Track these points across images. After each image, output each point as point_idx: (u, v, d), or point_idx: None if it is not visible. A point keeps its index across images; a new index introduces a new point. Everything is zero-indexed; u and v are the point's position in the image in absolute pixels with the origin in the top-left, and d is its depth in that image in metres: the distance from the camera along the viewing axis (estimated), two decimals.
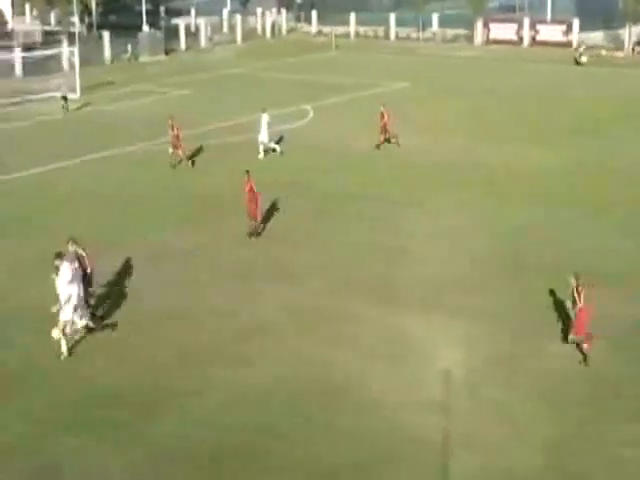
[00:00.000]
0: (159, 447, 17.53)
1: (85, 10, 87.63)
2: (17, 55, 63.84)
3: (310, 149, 40.52)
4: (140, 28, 74.07)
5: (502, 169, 36.73)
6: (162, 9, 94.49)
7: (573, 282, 20.46)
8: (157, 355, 21.20)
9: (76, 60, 57.93)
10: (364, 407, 18.79)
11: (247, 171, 28.70)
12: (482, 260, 26.56)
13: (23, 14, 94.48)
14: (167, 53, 73.82)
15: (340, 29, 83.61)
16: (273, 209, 31.20)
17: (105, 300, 24.16)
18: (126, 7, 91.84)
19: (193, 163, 37.93)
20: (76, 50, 59.48)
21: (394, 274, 25.77)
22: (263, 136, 38.73)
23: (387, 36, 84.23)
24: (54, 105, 51.05)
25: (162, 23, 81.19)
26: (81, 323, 21.69)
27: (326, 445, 17.42)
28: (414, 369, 20.35)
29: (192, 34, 79.70)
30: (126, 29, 75.41)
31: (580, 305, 20.28)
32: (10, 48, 65.81)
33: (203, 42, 79.13)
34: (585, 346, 20.31)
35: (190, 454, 17.26)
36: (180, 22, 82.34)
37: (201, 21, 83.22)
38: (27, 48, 66.37)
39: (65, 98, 51.19)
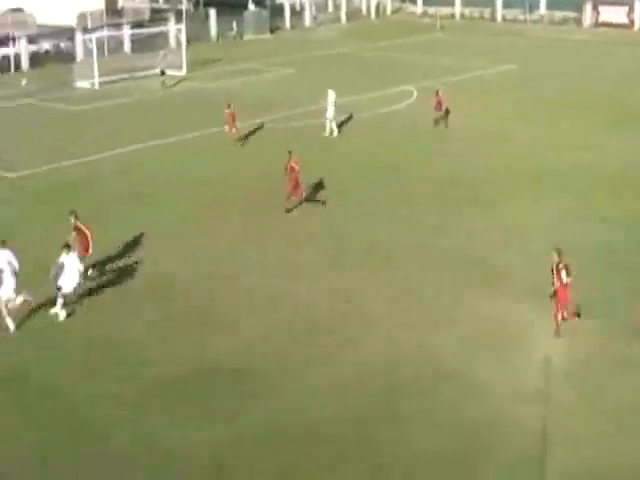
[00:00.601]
0: (273, 421, 17.86)
1: None
2: (126, 32, 64.93)
3: (411, 131, 40.27)
4: (246, 6, 74.53)
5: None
6: None
7: (555, 258, 20.43)
8: (270, 335, 21.52)
9: (183, 37, 58.70)
10: (467, 394, 18.76)
11: (289, 152, 29.31)
12: (582, 249, 25.97)
13: None
14: (272, 32, 74.14)
15: (445, 10, 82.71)
16: (371, 195, 31.29)
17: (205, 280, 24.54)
18: None
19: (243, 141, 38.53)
20: (183, 28, 60.24)
21: (501, 262, 25.57)
22: (329, 113, 39.39)
23: (493, 18, 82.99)
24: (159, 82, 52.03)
25: (268, 2, 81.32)
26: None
27: (431, 430, 17.48)
28: (517, 358, 20.18)
29: (297, 13, 79.80)
30: (232, 7, 75.87)
31: (566, 280, 20.30)
32: (119, 25, 66.94)
33: (308, 21, 79.19)
34: (559, 318, 20.58)
35: (304, 431, 17.51)
36: (285, 1, 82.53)
37: (306, 0, 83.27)
38: (136, 25, 67.42)
39: (163, 72, 52.07)
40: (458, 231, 27.97)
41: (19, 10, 67.61)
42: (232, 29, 72.48)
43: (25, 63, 59.45)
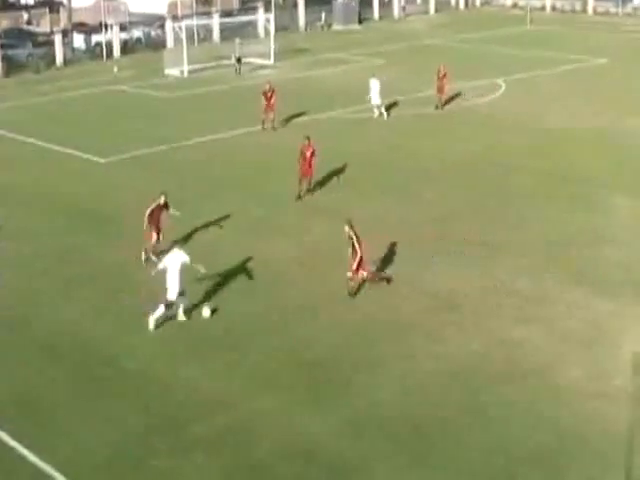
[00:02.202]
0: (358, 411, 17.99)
1: None
2: (215, 21, 65.54)
3: (499, 124, 39.86)
4: None
5: None
6: None
7: (347, 229, 22.16)
8: (366, 324, 21.63)
9: (271, 27, 58.98)
10: (551, 391, 18.56)
11: (307, 137, 29.85)
12: None
13: None
14: (360, 22, 74.03)
15: (536, 2, 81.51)
16: (470, 189, 31.10)
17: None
18: None
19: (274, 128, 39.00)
20: (272, 17, 60.54)
21: (599, 256, 25.28)
22: (375, 99, 40.48)
23: (584, 10, 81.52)
24: (246, 70, 52.46)
25: None
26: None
27: (520, 427, 17.39)
28: (608, 355, 19.88)
29: (385, 4, 79.49)
30: None
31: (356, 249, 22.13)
32: (209, 14, 67.61)
33: (396, 12, 78.85)
34: (352, 283, 22.49)
35: (389, 423, 17.56)
36: None
37: None
38: (225, 14, 68.01)
39: (239, 60, 52.56)
40: (568, 224, 27.73)
41: None
42: (320, 19, 72.57)
43: (117, 50, 60.44)
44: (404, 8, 79.73)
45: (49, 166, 35.37)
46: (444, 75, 42.07)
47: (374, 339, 20.92)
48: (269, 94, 38.82)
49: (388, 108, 41.69)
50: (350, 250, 22.44)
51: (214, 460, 16.67)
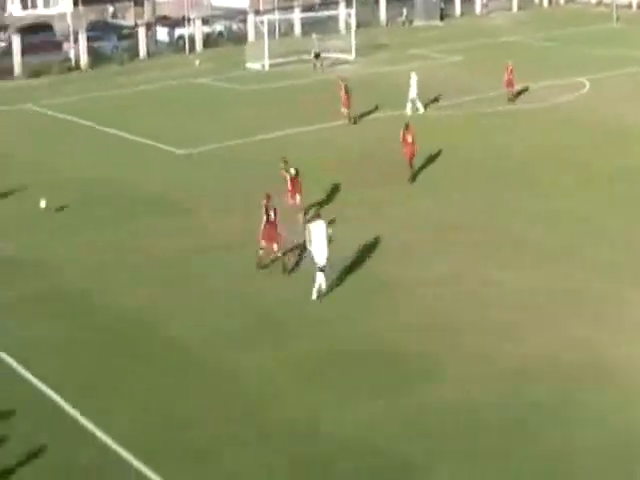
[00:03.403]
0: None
1: None
2: (297, 15, 65.72)
3: (582, 123, 39.26)
4: None
5: None
6: None
7: (263, 201, 23.65)
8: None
9: (352, 22, 58.92)
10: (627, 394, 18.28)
11: (406, 124, 31.76)
12: None
13: None
14: (442, 18, 73.50)
15: (621, 0, 79.90)
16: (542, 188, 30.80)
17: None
18: None
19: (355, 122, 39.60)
20: (353, 12, 60.47)
21: None
22: (412, 93, 40.61)
23: None
24: (325, 65, 52.52)
25: None
26: None
27: (592, 430, 17.23)
28: None
29: (467, 0, 78.80)
30: None
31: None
32: (291, 8, 67.85)
33: (478, 9, 78.08)
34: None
35: (456, 422, 17.55)
36: None
37: None
38: (307, 9, 68.16)
39: (317, 55, 52.67)
40: None
41: None
42: (402, 15, 72.27)
43: (199, 44, 61.07)
44: (486, 4, 78.86)
45: (127, 156, 35.98)
46: (511, 71, 42.25)
47: (449, 336, 20.90)
48: (344, 88, 39.13)
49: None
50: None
51: (281, 451, 16.79)
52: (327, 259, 22.59)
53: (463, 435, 17.08)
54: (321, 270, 22.62)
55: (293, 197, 27.47)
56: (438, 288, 23.30)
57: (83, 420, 17.74)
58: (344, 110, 39.39)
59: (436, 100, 43.09)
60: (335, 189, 30.84)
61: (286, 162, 27.82)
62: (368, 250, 25.62)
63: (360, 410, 17.95)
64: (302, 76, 50.98)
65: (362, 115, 40.66)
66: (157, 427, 17.63)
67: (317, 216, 23.70)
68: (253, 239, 24.46)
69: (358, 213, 28.50)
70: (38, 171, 34.20)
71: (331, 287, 23.14)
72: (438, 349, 20.27)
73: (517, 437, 17.00)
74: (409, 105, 40.94)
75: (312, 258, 22.85)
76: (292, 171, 27.54)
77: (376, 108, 41.86)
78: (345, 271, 24.21)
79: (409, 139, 31.23)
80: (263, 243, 24.11)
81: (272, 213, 23.94)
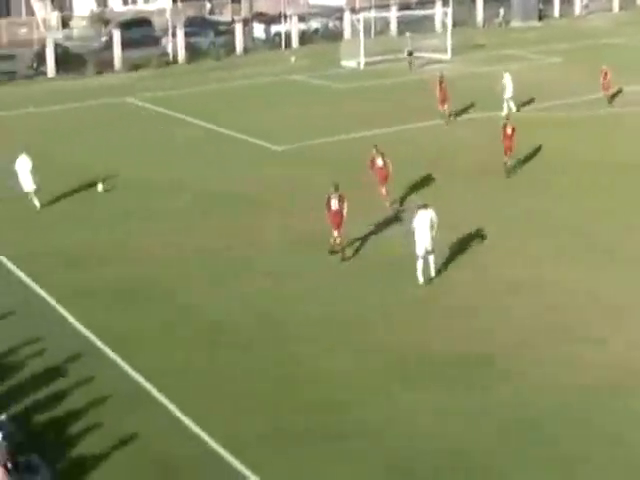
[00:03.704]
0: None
1: None
2: (393, 14, 65.55)
3: None
4: None
5: None
6: None
7: (331, 189, 24.87)
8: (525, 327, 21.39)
9: (449, 21, 58.54)
10: None
11: (507, 117, 33.49)
12: None
13: None
14: (540, 19, 72.54)
15: None
16: None
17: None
18: None
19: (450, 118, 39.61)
20: (450, 11, 60.04)
21: None
22: (508, 93, 40.52)
23: None
24: (420, 64, 52.33)
25: None
26: None
27: None
28: None
29: (567, 0, 77.60)
30: None
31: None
32: (387, 7, 67.74)
33: (578, 9, 76.83)
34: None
35: (546, 429, 17.30)
36: None
37: None
38: (403, 7, 67.95)
39: (411, 54, 52.50)
40: None
41: None
42: (499, 15, 71.51)
43: (295, 41, 61.41)
44: (586, 5, 77.57)
45: (222, 151, 36.38)
46: (605, 75, 42.02)
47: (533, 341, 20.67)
48: (442, 85, 39.27)
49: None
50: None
51: (371, 451, 16.82)
52: (431, 247, 23.43)
53: (557, 445, 16.82)
54: (422, 257, 23.37)
55: (381, 186, 28.52)
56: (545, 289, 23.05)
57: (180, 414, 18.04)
58: (441, 108, 39.26)
59: (534, 101, 42.53)
60: (426, 185, 30.74)
61: (377, 150, 28.53)
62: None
63: (454, 413, 17.87)
64: (398, 75, 50.84)
65: (457, 115, 40.35)
66: (255, 423, 17.80)
67: (423, 206, 23.97)
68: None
69: (455, 210, 28.29)
70: (140, 166, 34.84)
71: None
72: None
73: (603, 443, 16.68)
74: (506, 105, 40.69)
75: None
76: (379, 161, 28.27)
77: (471, 108, 41.51)
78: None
79: (509, 131, 31.98)
80: (335, 232, 24.98)
81: (335, 202, 24.71)
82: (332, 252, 25.21)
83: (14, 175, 30.05)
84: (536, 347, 20.27)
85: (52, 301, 23.12)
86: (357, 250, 25.75)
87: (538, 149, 34.89)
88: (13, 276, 24.94)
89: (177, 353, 20.47)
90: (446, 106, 39.40)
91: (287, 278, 24.19)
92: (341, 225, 24.96)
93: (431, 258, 23.64)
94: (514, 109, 40.77)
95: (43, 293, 23.61)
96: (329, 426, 17.52)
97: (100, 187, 31.47)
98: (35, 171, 29.95)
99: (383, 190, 28.79)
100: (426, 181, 31.31)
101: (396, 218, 27.79)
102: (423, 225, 23.47)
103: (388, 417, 17.80)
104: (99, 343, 20.86)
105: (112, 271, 24.96)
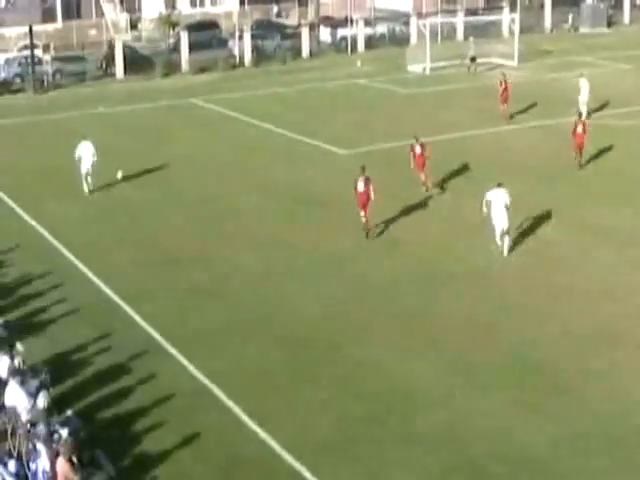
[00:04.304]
0: None
1: None
2: (460, 19, 65.20)
3: None
4: None
5: None
6: None
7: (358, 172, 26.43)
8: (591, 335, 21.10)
9: (516, 27, 57.98)
10: None
11: (579, 113, 34.95)
12: None
13: None
14: (609, 25, 71.58)
15: None
16: None
17: None
18: None
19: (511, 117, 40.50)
20: (517, 17, 59.45)
21: None
22: (583, 97, 40.15)
23: None
24: (490, 70, 51.97)
25: None
26: None
27: None
28: None
29: (637, 7, 76.44)
30: None
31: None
32: (454, 12, 67.46)
33: None
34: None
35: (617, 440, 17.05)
36: None
37: None
38: (470, 13, 67.60)
39: (473, 59, 52.23)
40: None
41: None
42: (567, 21, 70.75)
43: (361, 45, 61.40)
44: None
45: (291, 154, 36.52)
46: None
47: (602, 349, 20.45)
48: (504, 86, 39.99)
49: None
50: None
51: (433, 455, 16.75)
52: (507, 225, 24.98)
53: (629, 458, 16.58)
54: (501, 235, 25.00)
55: (419, 172, 30.45)
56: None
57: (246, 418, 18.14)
58: (502, 107, 39.59)
59: (605, 108, 41.98)
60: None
61: (417, 139, 30.27)
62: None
63: (517, 421, 17.70)
64: (463, 80, 50.55)
65: (525, 120, 40.01)
66: (317, 428, 17.83)
67: (498, 185, 25.32)
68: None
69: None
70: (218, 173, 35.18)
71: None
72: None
73: None
74: (582, 108, 39.93)
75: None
76: (417, 149, 30.14)
77: (538, 115, 41.14)
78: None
79: (579, 130, 32.65)
80: (361, 212, 26.68)
81: (361, 184, 26.31)
82: (366, 231, 26.70)
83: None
84: None
85: (119, 300, 23.44)
86: None
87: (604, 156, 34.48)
88: (81, 274, 25.33)
89: (245, 353, 20.58)
90: (506, 106, 39.73)
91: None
92: (367, 205, 26.43)
93: (506, 239, 25.16)
94: (585, 114, 40.27)
95: (109, 291, 23.96)
96: (395, 431, 17.48)
97: (119, 175, 32.47)
98: (96, 158, 31.44)
99: (422, 176, 30.62)
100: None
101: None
102: (499, 204, 24.84)
103: (451, 422, 17.71)
104: (164, 341, 21.05)
105: (179, 271, 25.22)
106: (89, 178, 31.57)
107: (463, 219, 28.20)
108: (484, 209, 25.35)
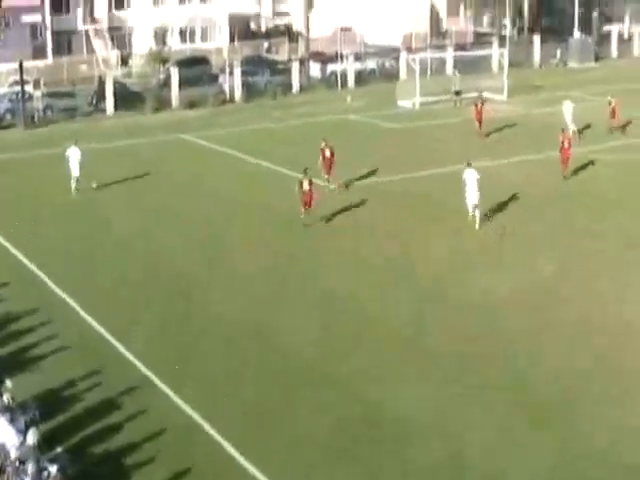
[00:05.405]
0: None
1: (517, 13, 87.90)
2: (449, 54, 65.65)
3: None
4: (571, 32, 73.03)
5: None
6: (595, 14, 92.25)
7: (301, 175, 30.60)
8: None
9: (505, 62, 58.40)
10: None
11: (564, 131, 36.81)
12: None
13: (457, 15, 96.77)
14: (597, 60, 72.19)
15: None
16: None
17: None
18: (558, 11, 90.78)
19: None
20: (506, 52, 59.88)
21: None
22: (567, 118, 42.86)
23: None
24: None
25: (594, 30, 79.12)
26: None
27: None
28: None
29: (625, 41, 77.16)
30: (555, 33, 74.84)
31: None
32: (443, 47, 67.96)
33: (636, 50, 76.33)
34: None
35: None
36: (612, 29, 79.98)
37: (635, 29, 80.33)
38: (459, 48, 68.10)
39: (458, 93, 52.68)
40: None
41: (348, 29, 70.50)
42: (555, 56, 71.33)
43: (351, 80, 61.73)
44: None
45: (281, 188, 36.47)
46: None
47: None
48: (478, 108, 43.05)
49: None
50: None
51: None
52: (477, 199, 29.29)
53: None
54: (473, 208, 29.36)
55: (327, 173, 35.14)
56: None
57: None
58: (478, 129, 42.17)
59: (592, 143, 42.18)
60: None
61: (326, 142, 35.04)
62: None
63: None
64: (452, 115, 50.76)
65: (510, 156, 40.14)
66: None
67: (468, 164, 30.42)
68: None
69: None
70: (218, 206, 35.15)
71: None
72: None
73: None
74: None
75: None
76: (327, 152, 34.79)
77: (526, 149, 41.25)
78: None
79: (566, 145, 35.40)
80: (302, 209, 30.72)
81: (306, 184, 30.54)
82: (305, 225, 30.38)
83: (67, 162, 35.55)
84: None
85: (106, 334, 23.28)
86: None
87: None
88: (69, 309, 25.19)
89: (244, 388, 20.44)
90: (481, 125, 42.39)
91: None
92: (310, 204, 30.56)
93: (477, 212, 29.34)
94: (571, 133, 40.71)
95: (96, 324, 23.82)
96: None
97: (94, 184, 35.97)
98: (82, 162, 35.40)
99: (326, 175, 35.25)
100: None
101: None
102: (471, 181, 29.35)
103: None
104: (151, 374, 20.87)
105: (169, 304, 25.13)
106: (75, 181, 35.51)
107: (463, 254, 28.23)
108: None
